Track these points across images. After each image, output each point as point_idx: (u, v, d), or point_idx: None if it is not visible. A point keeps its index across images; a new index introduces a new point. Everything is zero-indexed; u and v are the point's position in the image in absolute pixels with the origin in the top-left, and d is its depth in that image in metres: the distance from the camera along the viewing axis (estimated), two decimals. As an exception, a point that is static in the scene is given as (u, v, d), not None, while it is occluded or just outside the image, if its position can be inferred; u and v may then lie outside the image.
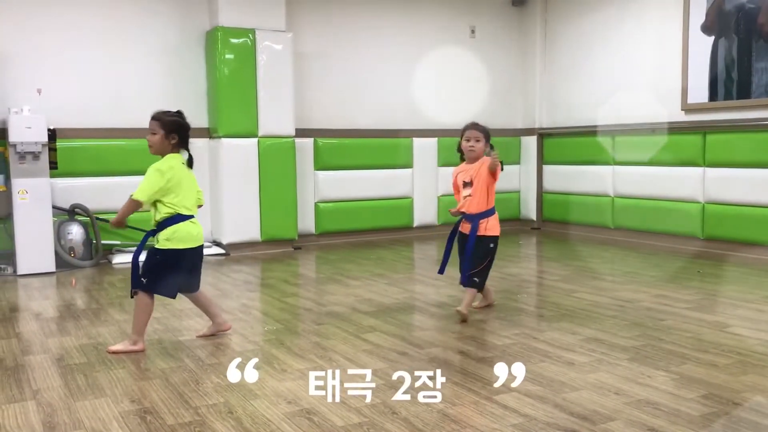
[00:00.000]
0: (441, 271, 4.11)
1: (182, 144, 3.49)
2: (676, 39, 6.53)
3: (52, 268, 5.60)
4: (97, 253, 5.94)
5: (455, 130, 7.71)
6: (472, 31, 7.93)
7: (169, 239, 3.38)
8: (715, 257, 5.96)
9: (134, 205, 3.38)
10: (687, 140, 6.39)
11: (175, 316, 4.18)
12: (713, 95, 6.20)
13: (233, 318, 4.10)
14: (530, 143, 8.18)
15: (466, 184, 4.03)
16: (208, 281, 5.30)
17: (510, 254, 6.45)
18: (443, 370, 3.07)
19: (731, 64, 6.06)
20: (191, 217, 3.45)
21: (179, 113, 3.49)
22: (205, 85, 6.64)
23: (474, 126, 4.05)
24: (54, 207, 5.76)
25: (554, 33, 7.98)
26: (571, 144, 7.75)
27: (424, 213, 7.74)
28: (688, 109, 6.43)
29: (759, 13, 5.83)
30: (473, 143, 4.01)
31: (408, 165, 7.59)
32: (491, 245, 3.99)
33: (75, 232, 5.86)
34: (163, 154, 3.45)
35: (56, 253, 5.66)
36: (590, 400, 2.70)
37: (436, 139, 7.71)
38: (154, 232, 3.44)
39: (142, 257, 3.46)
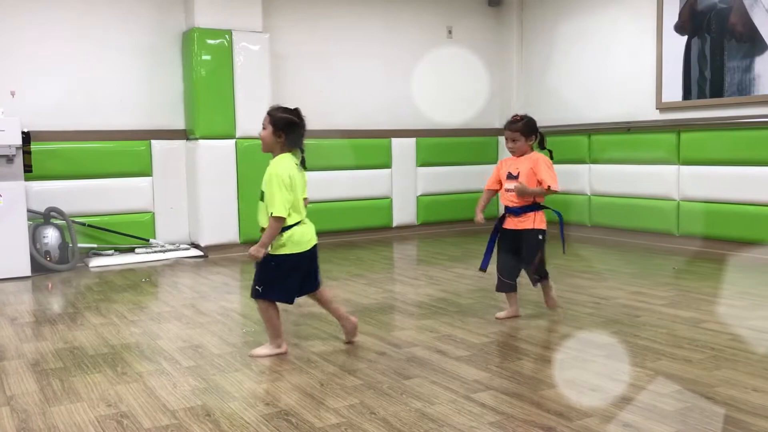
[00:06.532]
0: None
1: (292, 143, 3.30)
2: (650, 38, 6.61)
3: (28, 272, 5.54)
4: (73, 257, 5.89)
5: (433, 129, 7.84)
6: (449, 32, 7.96)
7: (284, 245, 3.24)
8: (690, 254, 6.03)
9: (280, 224, 3.19)
10: (661, 138, 6.46)
11: (153, 319, 4.16)
12: (687, 94, 6.28)
13: (211, 320, 4.08)
14: (508, 142, 8.22)
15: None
16: (187, 283, 5.28)
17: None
18: (422, 370, 3.09)
19: (704, 63, 6.14)
20: (301, 220, 3.29)
21: (295, 111, 3.31)
22: (182, 87, 6.60)
23: (507, 125, 3.97)
24: (29, 210, 5.69)
25: (530, 33, 8.03)
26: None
27: (403, 213, 7.75)
28: (662, 107, 6.51)
29: (731, 12, 5.92)
30: (510, 144, 3.94)
31: (387, 165, 7.60)
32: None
33: (51, 235, 5.80)
34: (273, 152, 3.30)
35: (32, 257, 5.59)
36: (567, 397, 2.73)
37: (414, 139, 7.73)
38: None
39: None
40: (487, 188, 4.10)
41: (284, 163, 3.26)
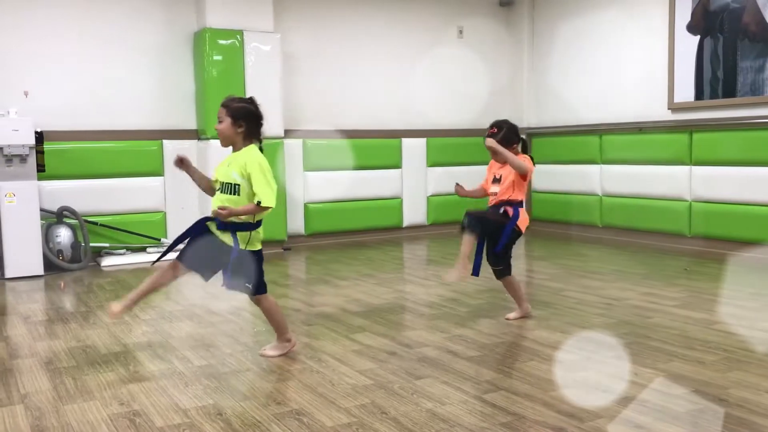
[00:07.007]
0: None
1: (252, 134, 3.23)
2: (662, 38, 6.58)
3: (40, 271, 5.58)
4: (85, 256, 5.92)
5: (443, 130, 7.84)
6: (460, 32, 7.95)
7: (261, 240, 3.25)
8: (702, 255, 6.01)
9: (261, 212, 3.14)
10: (673, 139, 6.43)
11: (165, 318, 4.18)
12: (699, 94, 6.25)
13: (223, 319, 4.10)
14: (518, 143, 8.20)
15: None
16: (198, 283, 5.28)
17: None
18: (432, 370, 3.09)
19: (717, 64, 6.11)
20: None
21: (250, 99, 3.26)
22: (194, 87, 6.63)
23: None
24: (42, 210, 5.73)
25: (541, 33, 8.01)
26: (559, 143, 7.79)
27: (414, 213, 7.75)
28: (674, 108, 6.48)
29: (743, 12, 5.88)
30: (494, 156, 3.90)
31: (397, 165, 7.61)
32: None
33: (63, 234, 5.84)
34: (234, 145, 3.23)
35: (44, 256, 5.64)
36: (578, 398, 2.72)
37: (424, 139, 7.73)
38: (234, 229, 3.17)
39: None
40: (480, 186, 4.08)
41: (260, 154, 3.21)
